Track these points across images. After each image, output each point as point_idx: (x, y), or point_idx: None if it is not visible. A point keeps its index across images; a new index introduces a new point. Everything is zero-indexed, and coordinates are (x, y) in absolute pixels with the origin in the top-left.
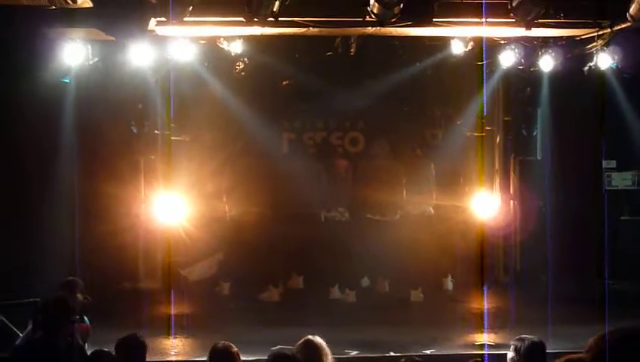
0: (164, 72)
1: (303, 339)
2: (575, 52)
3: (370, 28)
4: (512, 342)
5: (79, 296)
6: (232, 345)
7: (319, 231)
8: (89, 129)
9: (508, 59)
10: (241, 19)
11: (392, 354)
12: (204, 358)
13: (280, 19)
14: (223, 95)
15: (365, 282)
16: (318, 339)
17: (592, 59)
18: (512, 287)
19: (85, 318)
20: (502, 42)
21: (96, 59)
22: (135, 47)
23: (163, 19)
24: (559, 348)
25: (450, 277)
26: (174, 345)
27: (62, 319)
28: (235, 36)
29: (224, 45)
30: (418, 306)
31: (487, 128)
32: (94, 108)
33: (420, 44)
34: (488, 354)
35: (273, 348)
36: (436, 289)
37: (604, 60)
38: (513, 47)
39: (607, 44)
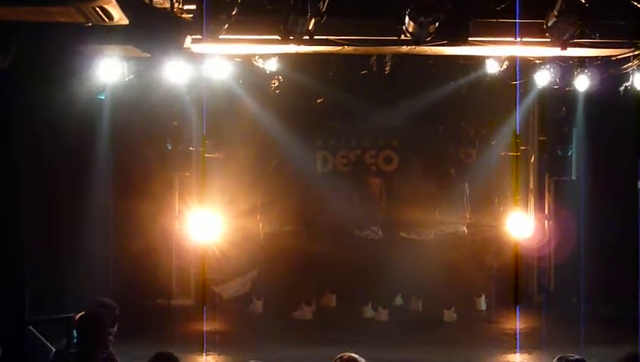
0: (199, 90)
1: (344, 355)
2: (611, 72)
3: (404, 47)
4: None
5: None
6: None
7: (352, 249)
8: (124, 146)
9: (543, 78)
10: (277, 37)
11: None
12: None
13: (315, 37)
14: (257, 113)
15: (398, 301)
16: (360, 359)
17: (628, 80)
18: (545, 308)
19: None
20: (537, 62)
21: (131, 76)
22: (170, 64)
23: (199, 36)
24: None
25: (483, 297)
26: None
27: (98, 334)
28: (270, 54)
29: (259, 63)
30: (451, 326)
31: (522, 148)
32: (129, 125)
33: (454, 63)
34: None
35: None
36: (470, 308)
37: None
38: (548, 66)
39: None
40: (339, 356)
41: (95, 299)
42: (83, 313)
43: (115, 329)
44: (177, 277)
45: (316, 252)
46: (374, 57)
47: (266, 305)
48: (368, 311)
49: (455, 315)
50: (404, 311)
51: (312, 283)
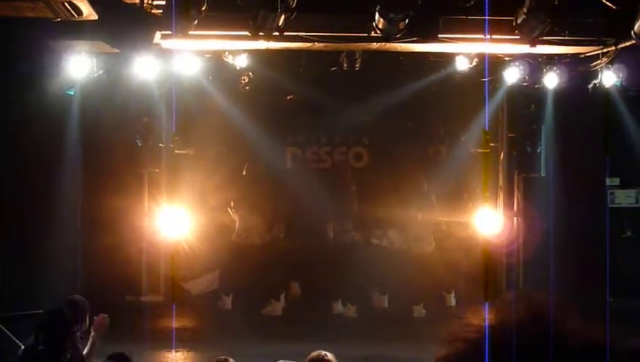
0: (168, 86)
1: (315, 354)
2: (580, 69)
3: (375, 43)
4: None
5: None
6: (232, 359)
7: (322, 245)
8: (93, 142)
9: (512, 75)
10: (247, 33)
11: None
12: None
13: (285, 33)
14: (227, 109)
15: (367, 297)
16: (330, 356)
17: (597, 77)
18: (514, 303)
19: None
20: (506, 59)
21: (101, 72)
22: (140, 60)
23: (168, 32)
24: None
25: (453, 293)
26: (176, 359)
27: (63, 332)
28: (239, 50)
29: (229, 59)
30: (420, 322)
31: (492, 145)
32: (99, 121)
33: (424, 60)
34: None
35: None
36: (439, 304)
37: (609, 78)
38: (518, 63)
39: (611, 62)
40: (316, 353)
41: (66, 297)
42: (48, 311)
43: (86, 325)
44: (147, 274)
45: (285, 248)
46: (344, 54)
47: (235, 301)
48: (338, 307)
49: (424, 311)
50: (372, 307)
51: (281, 279)
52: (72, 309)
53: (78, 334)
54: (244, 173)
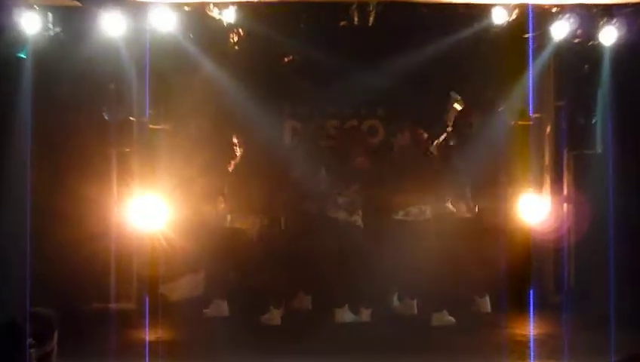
0: (141, 46)
1: None
2: None
3: None
4: None
5: None
6: None
7: (329, 239)
8: (48, 114)
9: (561, 30)
10: None
11: None
12: None
13: None
14: (212, 74)
15: (384, 300)
16: None
17: None
18: (565, 308)
19: None
20: (554, 10)
21: (57, 30)
22: (106, 14)
23: None
24: None
25: (487, 297)
26: None
27: (13, 348)
28: (227, 2)
29: (214, 13)
30: (447, 331)
31: (536, 115)
32: (55, 90)
33: (452, 12)
34: None
35: None
36: (470, 310)
37: None
38: (568, 15)
39: None
40: None
41: (30, 310)
42: None
43: (53, 345)
44: (116, 276)
45: (285, 243)
46: (355, 5)
47: (224, 307)
48: (348, 313)
49: (451, 318)
50: (391, 313)
51: (281, 281)
52: (35, 325)
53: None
54: (233, 152)
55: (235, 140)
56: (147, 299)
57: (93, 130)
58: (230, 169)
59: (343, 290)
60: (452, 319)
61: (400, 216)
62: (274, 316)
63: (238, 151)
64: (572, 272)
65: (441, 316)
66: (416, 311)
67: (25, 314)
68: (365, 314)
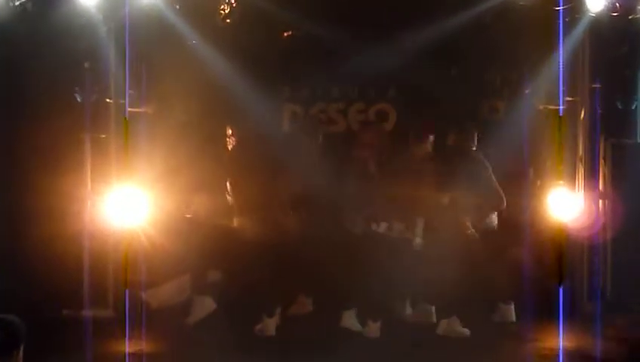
0: (119, 19)
1: None
2: None
3: None
4: None
5: None
6: None
7: (331, 240)
8: (13, 96)
9: (597, 2)
10: None
11: None
12: None
13: None
14: (200, 51)
15: (394, 310)
16: None
17: None
18: (599, 319)
19: None
20: None
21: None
22: None
23: None
24: None
25: (512, 305)
26: None
27: None
28: None
29: None
30: (465, 344)
31: (568, 99)
32: (21, 68)
33: None
34: None
35: None
36: (492, 320)
37: None
38: None
39: None
40: None
41: None
42: None
43: (19, 356)
44: (90, 279)
45: (281, 244)
46: None
47: (212, 316)
48: (354, 324)
49: (467, 330)
50: (400, 324)
51: (275, 287)
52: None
53: None
54: (224, 139)
55: (226, 128)
56: (127, 306)
57: (64, 113)
58: (220, 159)
59: (347, 298)
60: (466, 330)
61: (411, 229)
62: (267, 326)
63: (230, 139)
64: (608, 277)
65: (450, 324)
66: (434, 318)
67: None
68: (373, 327)
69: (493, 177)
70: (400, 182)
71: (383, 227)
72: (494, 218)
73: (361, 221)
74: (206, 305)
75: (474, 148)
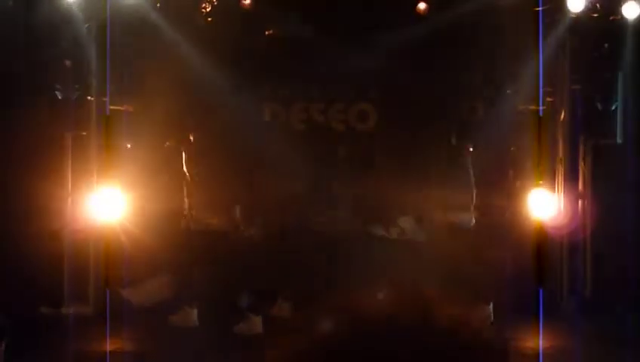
0: (100, 16)
1: None
2: None
3: None
4: None
5: None
6: None
7: (311, 240)
8: None
9: (578, 3)
10: None
11: None
12: None
13: None
14: (181, 49)
15: (374, 308)
16: None
17: None
18: (579, 319)
19: None
20: None
21: None
22: None
23: None
24: None
25: (491, 305)
26: None
27: None
28: None
29: None
30: (448, 342)
31: (549, 100)
32: (1, 66)
33: None
34: None
35: None
36: (472, 320)
37: None
38: None
39: None
40: None
41: None
42: None
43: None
44: (70, 276)
45: (261, 243)
46: None
47: (195, 314)
48: (332, 324)
49: (452, 328)
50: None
51: (260, 286)
52: None
53: None
54: (204, 138)
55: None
56: (107, 304)
57: (44, 110)
58: (201, 158)
59: (328, 295)
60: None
61: (390, 228)
62: (253, 324)
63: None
64: (587, 277)
65: (444, 323)
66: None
67: None
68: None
69: (472, 177)
70: (381, 181)
71: (361, 226)
72: (472, 217)
73: (339, 219)
74: (185, 318)
75: (453, 147)
